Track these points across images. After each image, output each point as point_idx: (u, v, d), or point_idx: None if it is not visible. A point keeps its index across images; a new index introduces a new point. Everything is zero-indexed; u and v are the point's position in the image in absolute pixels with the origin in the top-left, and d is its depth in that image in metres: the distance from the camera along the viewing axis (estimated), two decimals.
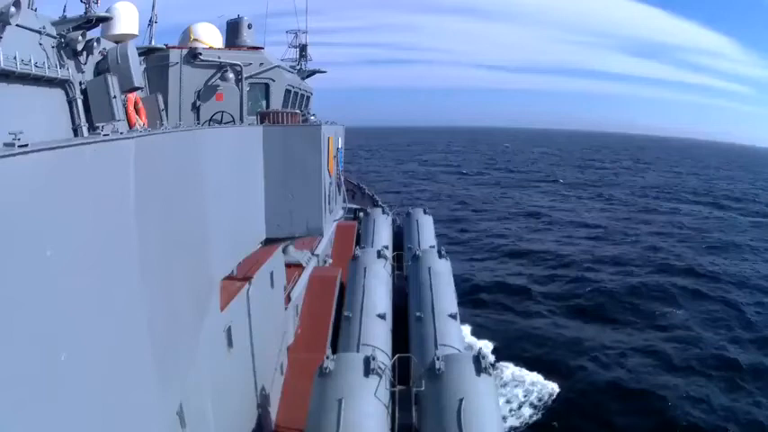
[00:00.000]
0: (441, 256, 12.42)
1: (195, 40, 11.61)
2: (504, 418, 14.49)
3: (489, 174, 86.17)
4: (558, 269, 30.22)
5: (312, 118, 12.10)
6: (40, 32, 5.79)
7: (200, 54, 11.12)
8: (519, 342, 19.93)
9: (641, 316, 23.16)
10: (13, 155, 2.69)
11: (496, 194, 61.04)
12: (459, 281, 25.49)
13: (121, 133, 4.48)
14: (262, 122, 9.19)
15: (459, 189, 64.43)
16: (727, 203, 59.06)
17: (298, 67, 15.98)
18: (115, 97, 6.65)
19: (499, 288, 26.27)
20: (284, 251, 10.91)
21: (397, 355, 8.37)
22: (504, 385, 16.76)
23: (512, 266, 30.68)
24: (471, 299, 23.91)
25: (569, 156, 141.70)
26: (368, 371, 7.12)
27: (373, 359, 7.30)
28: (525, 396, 16.31)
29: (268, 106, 11.55)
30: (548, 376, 17.15)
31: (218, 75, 11.26)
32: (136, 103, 8.06)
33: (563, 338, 20.51)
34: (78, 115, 6.44)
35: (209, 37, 11.84)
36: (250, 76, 11.43)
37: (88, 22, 6.45)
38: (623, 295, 25.46)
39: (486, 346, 18.97)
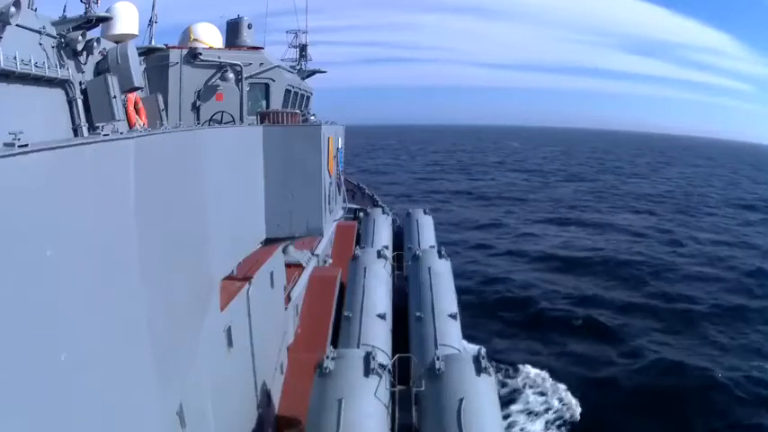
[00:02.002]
0: (441, 256, 12.42)
1: (195, 40, 11.61)
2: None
3: (505, 175, 79.95)
4: (614, 289, 25.67)
5: (312, 118, 12.10)
6: (40, 32, 5.80)
7: (200, 54, 11.12)
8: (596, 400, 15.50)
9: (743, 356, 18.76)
10: (13, 155, 2.68)
11: (517, 196, 56.72)
12: (504, 302, 23.10)
13: (121, 133, 4.48)
14: (262, 122, 9.19)
15: (478, 190, 60.43)
16: (762, 206, 55.01)
17: (298, 67, 15.98)
18: (115, 97, 6.66)
19: (555, 320, 21.54)
20: (284, 251, 10.90)
21: (397, 355, 8.37)
22: None
23: (560, 283, 25.89)
24: (523, 327, 20.81)
25: (580, 154, 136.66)
26: (368, 371, 7.12)
27: (373, 359, 7.30)
28: None
29: (268, 106, 11.55)
30: None
31: (218, 75, 11.26)
32: (136, 103, 8.06)
33: (664, 390, 16.02)
34: (78, 115, 6.44)
35: (209, 37, 11.83)
36: (250, 76, 11.43)
37: (88, 22, 6.45)
38: (710, 323, 21.32)
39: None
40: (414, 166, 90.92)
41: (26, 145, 2.77)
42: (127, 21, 8.70)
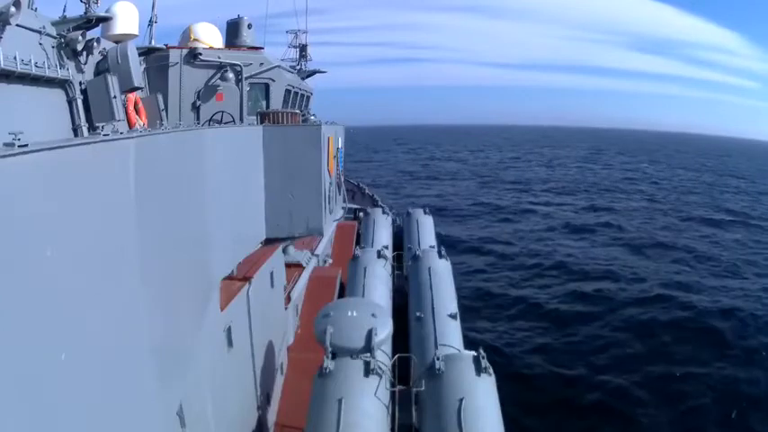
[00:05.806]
0: (441, 256, 12.42)
1: (195, 40, 11.63)
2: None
3: (536, 186, 58.02)
4: None
5: (312, 118, 12.12)
6: (40, 32, 5.80)
7: (201, 54, 11.14)
8: None
9: None
10: (13, 155, 2.68)
11: (566, 218, 37.04)
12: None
13: (121, 133, 4.48)
14: (262, 122, 9.19)
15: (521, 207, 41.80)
16: None
17: (298, 67, 16.01)
18: (115, 97, 6.67)
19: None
20: (284, 251, 10.90)
21: (397, 355, 8.37)
22: None
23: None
24: None
25: (612, 158, 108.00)
26: (368, 371, 7.12)
27: (373, 359, 7.30)
28: None
29: (268, 106, 11.57)
30: None
31: (218, 75, 11.28)
32: (136, 103, 8.07)
33: None
34: (78, 115, 6.45)
35: (209, 37, 11.85)
36: (250, 76, 11.44)
37: (88, 22, 6.46)
38: None
39: None
40: (433, 173, 70.49)
41: (26, 145, 2.77)
42: (127, 21, 8.71)
